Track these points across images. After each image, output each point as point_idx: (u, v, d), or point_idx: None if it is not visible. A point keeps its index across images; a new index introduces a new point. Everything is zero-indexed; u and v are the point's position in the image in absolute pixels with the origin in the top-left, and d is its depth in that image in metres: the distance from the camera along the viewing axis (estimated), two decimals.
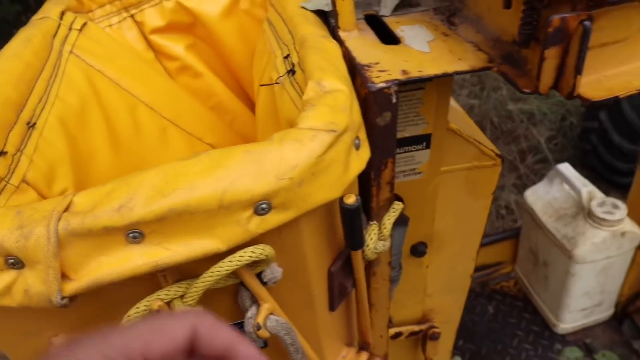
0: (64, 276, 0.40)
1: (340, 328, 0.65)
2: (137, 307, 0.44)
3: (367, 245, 0.55)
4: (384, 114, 0.56)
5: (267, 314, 0.48)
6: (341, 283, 0.57)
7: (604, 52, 0.55)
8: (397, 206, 0.58)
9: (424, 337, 1.03)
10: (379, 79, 0.54)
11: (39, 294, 0.40)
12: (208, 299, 0.49)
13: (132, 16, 0.91)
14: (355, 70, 0.58)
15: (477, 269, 1.96)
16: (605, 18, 0.52)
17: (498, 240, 1.90)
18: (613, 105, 2.34)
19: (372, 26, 0.68)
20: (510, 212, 2.56)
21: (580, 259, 1.53)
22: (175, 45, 0.97)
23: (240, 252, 0.43)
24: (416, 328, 1.01)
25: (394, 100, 0.55)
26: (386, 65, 0.57)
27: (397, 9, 0.72)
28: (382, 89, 0.54)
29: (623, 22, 0.54)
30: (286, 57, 0.67)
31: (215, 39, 0.98)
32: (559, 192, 1.68)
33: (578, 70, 0.50)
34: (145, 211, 0.40)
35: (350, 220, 0.49)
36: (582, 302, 1.68)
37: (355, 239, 0.51)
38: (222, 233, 0.42)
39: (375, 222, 0.58)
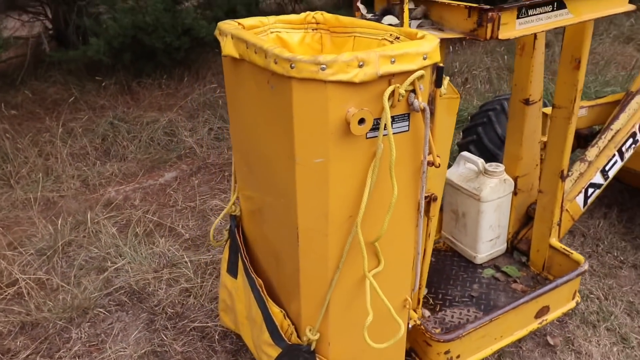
0: None
1: None
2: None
3: None
4: None
5: (424, 105, 1.35)
6: None
7: None
8: None
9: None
10: None
11: (371, 73, 1.25)
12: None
13: None
14: None
15: None
16: None
17: None
18: (487, 123, 3.51)
19: None
20: None
21: (485, 198, 2.55)
22: None
23: None
24: None
25: None
26: None
27: None
28: None
29: None
30: None
31: None
32: (464, 169, 2.74)
33: None
34: None
35: None
36: (489, 233, 2.68)
37: None
38: None
39: None
